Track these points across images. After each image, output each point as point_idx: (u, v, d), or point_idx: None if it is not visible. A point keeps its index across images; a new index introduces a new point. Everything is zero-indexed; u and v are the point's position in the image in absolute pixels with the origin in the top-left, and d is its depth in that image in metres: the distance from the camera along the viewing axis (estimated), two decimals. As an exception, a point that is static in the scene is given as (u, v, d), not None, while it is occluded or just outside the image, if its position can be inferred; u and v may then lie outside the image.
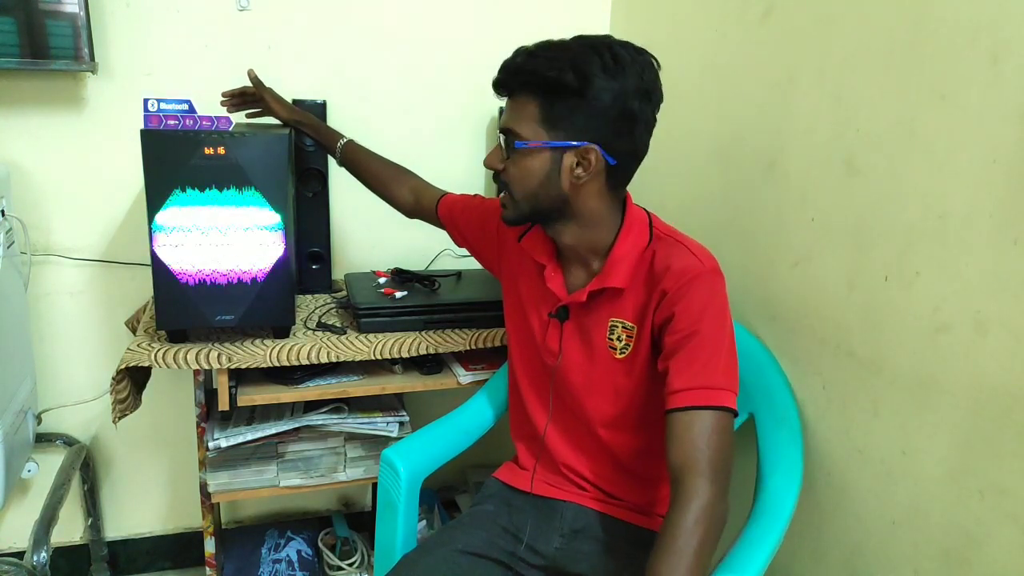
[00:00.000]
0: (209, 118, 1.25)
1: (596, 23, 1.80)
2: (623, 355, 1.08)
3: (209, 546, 1.50)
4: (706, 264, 1.02)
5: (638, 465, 1.12)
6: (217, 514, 1.65)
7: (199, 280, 1.28)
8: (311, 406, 1.49)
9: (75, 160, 1.55)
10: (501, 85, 1.04)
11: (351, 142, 1.45)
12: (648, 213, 1.11)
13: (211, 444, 1.40)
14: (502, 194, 1.08)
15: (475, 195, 1.39)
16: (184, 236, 1.26)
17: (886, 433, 1.06)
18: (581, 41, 0.99)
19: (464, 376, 1.49)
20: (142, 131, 1.21)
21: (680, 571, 0.85)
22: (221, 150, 1.23)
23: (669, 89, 1.04)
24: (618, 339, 1.08)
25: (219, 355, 1.30)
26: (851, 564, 1.14)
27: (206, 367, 1.31)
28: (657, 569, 0.85)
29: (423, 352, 1.42)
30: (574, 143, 0.99)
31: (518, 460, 1.25)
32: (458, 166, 1.80)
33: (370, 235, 1.78)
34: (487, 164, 1.08)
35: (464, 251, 1.82)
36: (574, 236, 1.08)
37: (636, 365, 1.07)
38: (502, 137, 1.04)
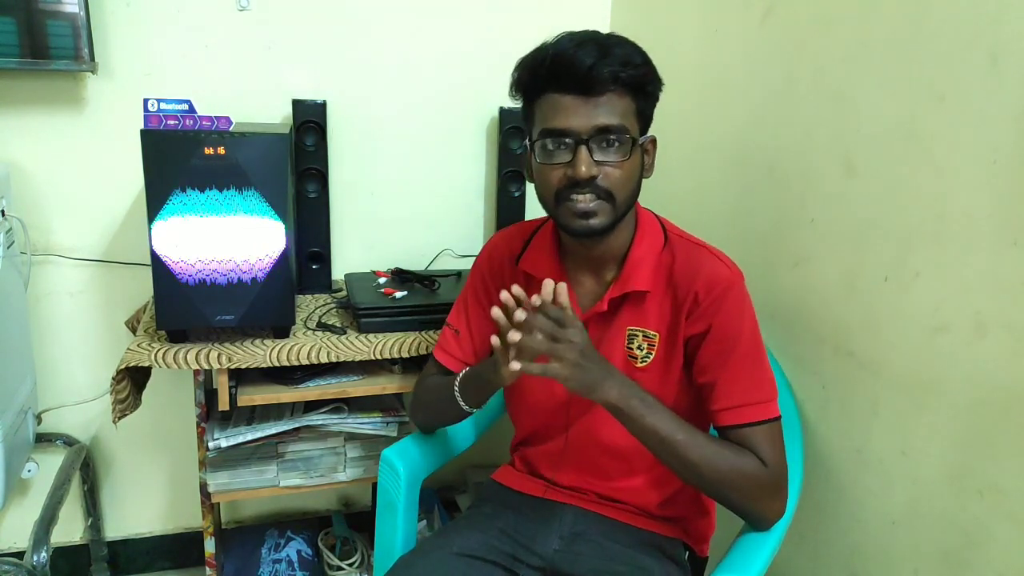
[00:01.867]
0: (209, 118, 1.25)
1: (596, 24, 1.80)
2: (644, 364, 1.05)
3: (209, 546, 1.50)
4: (734, 270, 1.03)
5: (650, 469, 1.10)
6: (217, 514, 1.65)
7: (199, 280, 1.28)
8: (311, 406, 1.49)
9: (75, 160, 1.55)
10: (595, 83, 0.93)
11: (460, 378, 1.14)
12: (653, 213, 1.11)
13: (211, 444, 1.40)
14: (592, 203, 0.96)
15: (447, 329, 1.22)
16: (184, 236, 1.26)
17: (885, 433, 1.06)
18: (621, 38, 0.98)
19: (464, 376, 1.49)
20: (142, 131, 1.21)
21: (696, 446, 0.95)
22: (221, 150, 1.23)
23: (668, 90, 1.04)
24: (639, 348, 1.05)
25: (219, 355, 1.30)
26: (851, 564, 1.14)
27: (206, 367, 1.31)
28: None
29: (423, 352, 1.42)
30: (648, 135, 1.02)
31: (514, 464, 1.25)
32: (459, 165, 1.80)
33: (370, 235, 1.78)
34: (584, 175, 0.94)
35: (465, 251, 1.84)
36: (610, 242, 1.04)
37: (666, 374, 1.05)
38: (605, 137, 0.94)
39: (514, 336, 0.89)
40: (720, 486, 0.97)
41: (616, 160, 0.96)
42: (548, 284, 0.91)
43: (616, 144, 0.96)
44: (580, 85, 0.93)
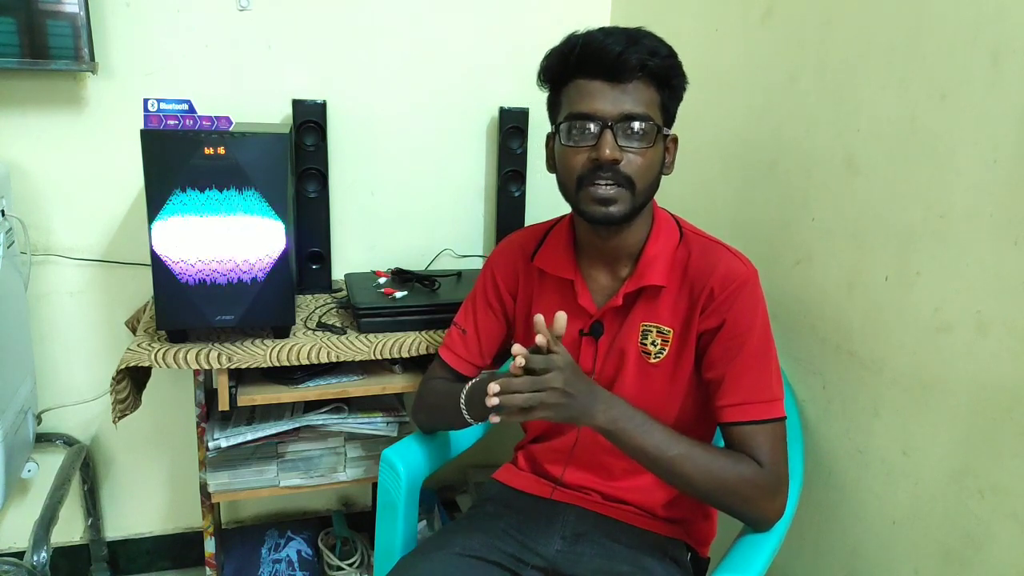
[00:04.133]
0: (209, 118, 1.25)
1: (596, 24, 1.80)
2: (657, 360, 1.05)
3: (209, 546, 1.50)
4: (750, 267, 1.03)
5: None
6: (217, 514, 1.65)
7: (199, 280, 1.28)
8: (311, 406, 1.49)
9: (75, 160, 1.55)
10: (623, 69, 0.95)
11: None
12: (668, 211, 1.11)
13: (211, 444, 1.40)
14: (612, 190, 0.96)
15: (454, 328, 1.22)
16: (184, 236, 1.25)
17: (887, 433, 1.06)
18: (649, 31, 0.99)
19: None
20: (142, 131, 1.21)
21: (692, 460, 0.94)
22: (221, 150, 1.23)
23: (669, 89, 1.04)
24: (652, 343, 1.05)
25: (219, 355, 1.30)
26: (851, 564, 1.14)
27: (206, 367, 1.31)
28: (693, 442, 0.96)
29: (423, 352, 1.42)
30: (671, 131, 1.03)
31: (517, 463, 1.25)
32: (459, 165, 1.80)
33: (370, 235, 1.78)
34: (608, 157, 0.94)
35: (465, 251, 1.84)
36: (626, 236, 1.05)
37: (678, 371, 1.05)
38: (630, 123, 0.95)
39: (492, 401, 0.89)
40: (718, 495, 0.97)
41: (639, 147, 0.96)
42: (540, 320, 0.93)
43: (641, 132, 0.96)
44: (608, 71, 0.95)
